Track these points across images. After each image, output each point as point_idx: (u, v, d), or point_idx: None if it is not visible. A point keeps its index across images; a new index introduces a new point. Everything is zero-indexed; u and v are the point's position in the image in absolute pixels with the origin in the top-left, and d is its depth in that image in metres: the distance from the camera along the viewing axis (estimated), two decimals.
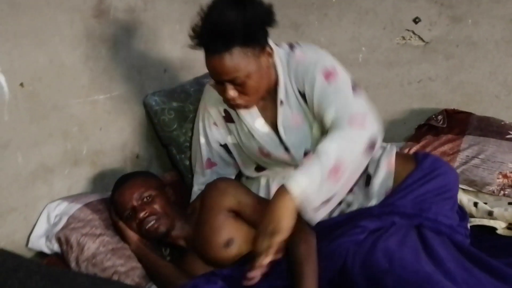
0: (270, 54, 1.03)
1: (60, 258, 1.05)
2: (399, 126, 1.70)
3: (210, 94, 1.19)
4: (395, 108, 1.72)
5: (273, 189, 1.15)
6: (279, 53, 1.08)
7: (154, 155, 1.48)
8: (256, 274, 0.85)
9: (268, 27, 1.00)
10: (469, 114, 1.54)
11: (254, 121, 1.13)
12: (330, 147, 0.95)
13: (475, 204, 1.28)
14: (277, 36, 1.07)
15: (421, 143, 1.46)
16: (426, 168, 1.07)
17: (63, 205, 1.10)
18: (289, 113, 1.09)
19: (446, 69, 1.66)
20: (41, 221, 1.08)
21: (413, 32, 1.67)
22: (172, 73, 1.52)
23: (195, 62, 1.57)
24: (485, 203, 1.30)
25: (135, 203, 1.02)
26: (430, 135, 1.49)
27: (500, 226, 1.26)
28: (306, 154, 1.12)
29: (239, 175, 1.31)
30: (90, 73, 1.20)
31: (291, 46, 1.10)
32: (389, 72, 1.72)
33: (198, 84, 1.45)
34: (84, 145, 1.20)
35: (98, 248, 1.01)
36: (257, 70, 1.00)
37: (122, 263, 1.00)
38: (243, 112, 1.12)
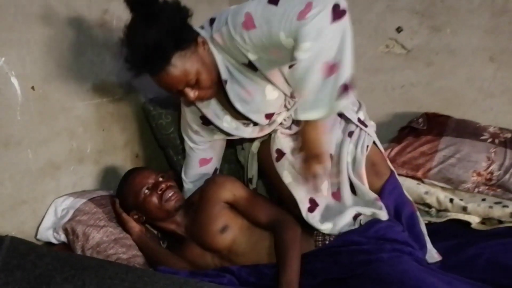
0: (205, 42, 1.03)
1: (66, 247, 1.12)
2: (383, 128, 1.74)
3: (184, 108, 1.24)
4: (380, 112, 1.78)
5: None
6: (206, 38, 1.05)
7: (152, 155, 1.56)
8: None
9: (188, 19, 1.00)
10: (448, 117, 1.61)
11: (222, 121, 1.18)
12: (306, 47, 0.90)
13: (451, 200, 1.37)
14: None
15: (403, 144, 1.54)
16: None
17: (69, 200, 1.17)
18: (238, 88, 1.10)
19: (427, 75, 1.72)
20: (49, 214, 1.15)
21: (396, 41, 1.74)
22: None
23: None
24: (461, 200, 1.39)
25: (154, 180, 1.12)
26: (411, 136, 1.57)
27: (474, 221, 1.35)
28: (267, 116, 1.15)
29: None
30: (95, 77, 1.27)
31: (210, 27, 1.05)
32: (374, 78, 1.79)
33: None
34: (88, 144, 1.28)
35: (102, 238, 1.09)
36: (202, 63, 1.01)
37: (124, 251, 1.08)
38: (210, 116, 1.18)
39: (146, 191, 1.11)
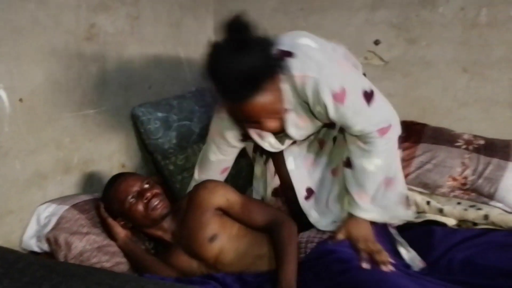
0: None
1: (50, 257, 1.11)
2: None
3: (224, 124, 1.18)
4: None
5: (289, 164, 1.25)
6: None
7: (138, 164, 1.57)
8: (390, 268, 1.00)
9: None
10: (424, 125, 1.65)
11: (265, 141, 1.16)
12: (377, 163, 1.06)
13: (428, 203, 1.42)
14: None
15: None
16: None
17: (52, 207, 1.17)
18: (295, 117, 1.09)
19: (403, 86, 1.78)
20: (32, 223, 1.16)
21: (374, 53, 1.80)
22: (156, 90, 1.62)
23: (177, 81, 1.70)
24: (438, 203, 1.44)
25: (140, 188, 1.11)
26: None
27: (451, 223, 1.40)
28: (308, 136, 1.21)
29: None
30: (82, 89, 1.30)
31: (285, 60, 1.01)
32: None
33: (180, 98, 1.58)
34: (75, 154, 1.30)
35: (85, 246, 1.09)
36: (280, 92, 0.98)
37: (108, 259, 1.08)
38: (253, 136, 1.16)
39: (132, 199, 1.10)
